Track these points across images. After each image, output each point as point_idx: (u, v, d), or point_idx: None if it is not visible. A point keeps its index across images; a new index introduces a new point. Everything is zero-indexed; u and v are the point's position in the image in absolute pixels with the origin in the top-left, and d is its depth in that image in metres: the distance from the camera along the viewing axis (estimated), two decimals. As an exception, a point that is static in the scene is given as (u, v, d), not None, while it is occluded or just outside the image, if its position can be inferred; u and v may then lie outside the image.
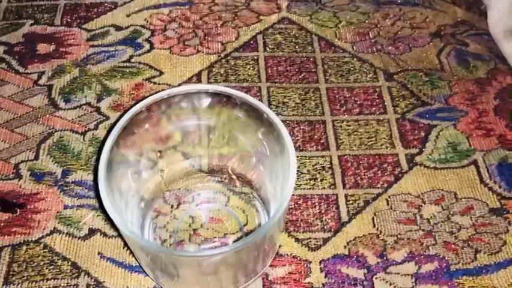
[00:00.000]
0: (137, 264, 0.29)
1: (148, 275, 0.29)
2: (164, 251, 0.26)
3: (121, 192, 0.27)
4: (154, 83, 0.37)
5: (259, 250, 0.27)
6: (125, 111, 0.34)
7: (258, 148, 0.30)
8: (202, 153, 0.32)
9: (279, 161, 0.27)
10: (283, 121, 0.31)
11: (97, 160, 0.33)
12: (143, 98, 0.36)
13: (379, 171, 0.33)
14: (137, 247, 0.25)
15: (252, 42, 0.40)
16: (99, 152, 0.34)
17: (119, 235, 0.30)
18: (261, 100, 0.36)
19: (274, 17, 0.41)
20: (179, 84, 0.37)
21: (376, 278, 0.29)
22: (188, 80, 0.37)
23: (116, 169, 0.26)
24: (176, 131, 0.31)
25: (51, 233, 0.30)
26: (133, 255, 0.30)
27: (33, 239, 0.30)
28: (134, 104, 0.35)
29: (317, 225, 0.31)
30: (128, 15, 0.41)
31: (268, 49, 0.39)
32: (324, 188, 0.33)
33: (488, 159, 0.34)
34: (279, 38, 0.40)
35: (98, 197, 0.32)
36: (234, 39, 0.40)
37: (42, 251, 0.30)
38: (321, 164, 0.34)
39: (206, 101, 0.29)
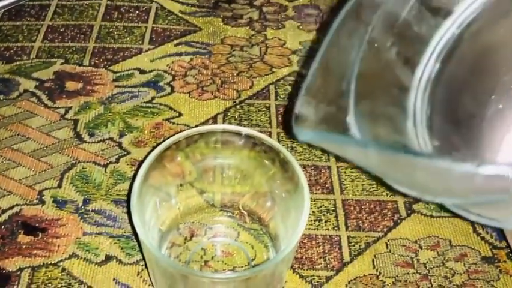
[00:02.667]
0: (150, 291, 0.31)
1: (160, 302, 0.30)
2: (187, 271, 0.28)
3: (145, 221, 0.29)
4: (173, 123, 0.40)
5: (269, 284, 0.29)
6: (152, 148, 0.37)
7: (271, 186, 0.32)
8: (215, 189, 0.34)
9: (293, 199, 0.29)
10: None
11: (120, 191, 0.35)
12: (163, 136, 0.39)
13: (379, 216, 0.36)
14: (158, 267, 0.27)
15: (264, 91, 0.43)
16: (132, 181, 0.36)
17: (137, 261, 0.32)
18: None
19: (286, 70, 0.45)
20: (197, 125, 0.40)
21: (375, 316, 0.31)
22: (205, 122, 0.40)
23: (143, 199, 0.28)
24: (194, 168, 0.33)
25: (70, 257, 0.32)
26: (147, 282, 0.31)
27: (53, 262, 0.32)
28: (155, 141, 0.39)
29: (321, 263, 0.33)
30: (151, 61, 0.45)
31: (279, 98, 0.43)
32: (328, 229, 0.35)
33: (480, 211, 0.36)
34: (290, 89, 0.44)
35: (130, 221, 0.34)
36: (248, 88, 0.43)
37: (60, 274, 0.31)
38: (325, 207, 0.36)
39: (222, 140, 0.32)
